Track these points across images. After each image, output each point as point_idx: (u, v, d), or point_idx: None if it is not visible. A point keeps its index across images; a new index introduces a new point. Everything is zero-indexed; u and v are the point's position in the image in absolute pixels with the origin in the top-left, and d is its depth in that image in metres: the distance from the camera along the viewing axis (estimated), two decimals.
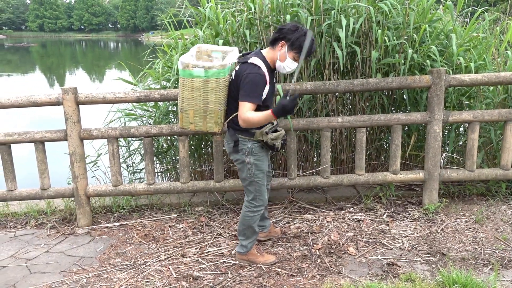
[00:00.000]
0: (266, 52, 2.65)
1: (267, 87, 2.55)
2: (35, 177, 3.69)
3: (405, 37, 3.69)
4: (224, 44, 3.69)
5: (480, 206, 3.68)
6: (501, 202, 3.74)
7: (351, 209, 3.72)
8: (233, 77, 2.64)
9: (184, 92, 2.60)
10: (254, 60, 2.56)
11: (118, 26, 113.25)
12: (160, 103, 4.11)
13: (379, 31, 3.46)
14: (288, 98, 2.42)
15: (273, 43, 2.60)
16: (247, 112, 2.49)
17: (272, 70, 2.64)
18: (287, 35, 2.53)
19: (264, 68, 2.54)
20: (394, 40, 3.59)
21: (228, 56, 2.72)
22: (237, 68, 2.63)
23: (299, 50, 2.52)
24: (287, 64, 2.58)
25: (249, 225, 2.78)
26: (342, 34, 3.33)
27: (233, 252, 3.09)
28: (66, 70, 24.89)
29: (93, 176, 4.26)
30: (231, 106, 2.66)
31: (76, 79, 19.57)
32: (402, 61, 3.59)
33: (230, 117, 2.67)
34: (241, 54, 2.75)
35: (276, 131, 2.68)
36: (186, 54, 2.68)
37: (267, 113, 2.47)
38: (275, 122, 2.67)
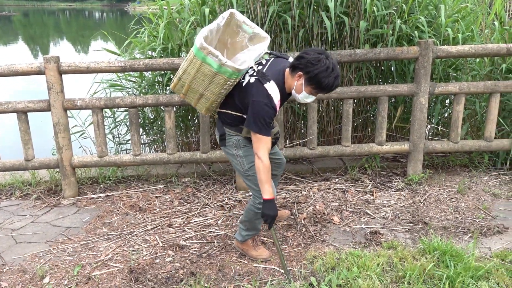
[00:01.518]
0: (287, 74, 2.34)
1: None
2: (18, 148, 3.65)
3: (394, 8, 3.65)
4: (210, 12, 3.61)
5: (463, 177, 3.75)
6: (483, 173, 3.81)
7: (337, 180, 3.76)
8: (244, 81, 2.35)
9: (188, 67, 2.37)
10: (270, 88, 2.26)
11: None
12: (146, 73, 4.05)
13: (368, 0, 3.41)
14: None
15: (292, 69, 2.30)
16: (264, 154, 2.27)
17: (287, 95, 2.41)
18: (306, 68, 2.22)
19: (277, 99, 2.27)
20: (383, 10, 3.54)
21: (253, 48, 2.45)
22: (252, 80, 2.32)
23: (318, 86, 2.25)
24: (302, 97, 2.33)
25: (251, 220, 2.57)
26: (331, 4, 3.28)
27: (219, 222, 3.12)
28: (50, 41, 24.24)
29: (80, 147, 4.23)
30: (229, 101, 2.44)
31: (60, 50, 19.08)
32: (391, 32, 3.56)
33: (223, 111, 2.47)
34: (268, 52, 2.50)
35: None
36: (210, 25, 2.36)
37: (267, 188, 2.28)
38: None
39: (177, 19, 3.94)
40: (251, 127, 2.27)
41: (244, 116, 2.35)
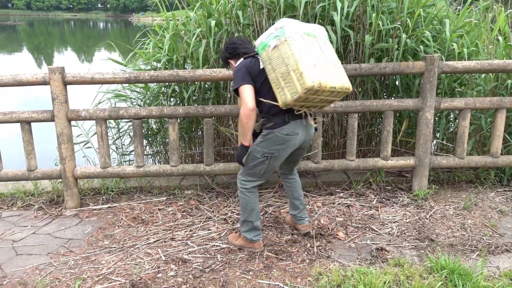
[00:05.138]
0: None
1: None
2: (20, 158, 3.62)
3: (399, 22, 3.66)
4: (216, 25, 3.61)
5: (469, 193, 3.71)
6: (490, 189, 3.77)
7: (341, 194, 3.73)
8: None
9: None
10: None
11: (108, 5, 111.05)
12: (151, 85, 4.04)
13: (374, 14, 3.41)
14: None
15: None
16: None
17: None
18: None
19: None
20: (388, 25, 3.55)
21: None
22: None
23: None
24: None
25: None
26: (337, 18, 3.28)
27: (222, 235, 3.08)
28: (54, 50, 24.41)
29: (84, 156, 4.20)
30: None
31: (64, 60, 19.21)
32: (396, 46, 3.55)
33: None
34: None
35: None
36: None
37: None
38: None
39: (183, 31, 3.95)
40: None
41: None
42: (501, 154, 3.73)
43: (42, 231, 3.23)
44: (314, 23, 3.55)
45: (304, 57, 2.31)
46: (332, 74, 2.35)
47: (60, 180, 3.74)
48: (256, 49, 2.59)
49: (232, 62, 2.80)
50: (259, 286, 2.47)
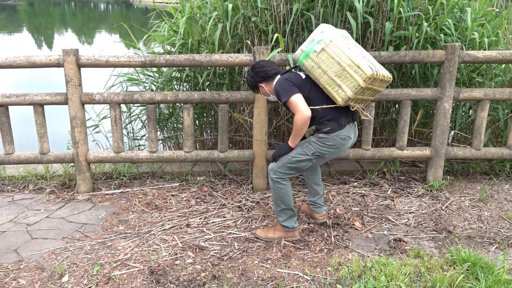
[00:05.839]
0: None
1: None
2: (31, 140, 3.58)
3: (419, 9, 3.58)
4: (233, 9, 3.53)
5: (484, 185, 3.69)
6: (504, 181, 3.74)
7: (355, 183, 3.70)
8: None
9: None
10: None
11: None
12: (164, 69, 3.98)
13: (395, 1, 3.34)
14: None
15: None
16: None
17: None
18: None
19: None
20: (408, 12, 3.47)
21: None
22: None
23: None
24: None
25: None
26: (358, 5, 3.20)
27: (238, 223, 3.06)
28: (54, 31, 24.11)
29: (93, 140, 4.16)
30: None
31: (66, 41, 18.98)
32: (417, 34, 3.48)
33: None
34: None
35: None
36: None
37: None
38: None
39: (198, 15, 3.87)
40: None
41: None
42: None
43: (55, 215, 3.21)
44: (332, 9, 3.47)
45: (353, 52, 2.42)
46: (377, 65, 2.49)
47: (72, 164, 3.71)
48: (297, 64, 2.65)
49: (263, 85, 2.72)
50: (279, 275, 2.46)
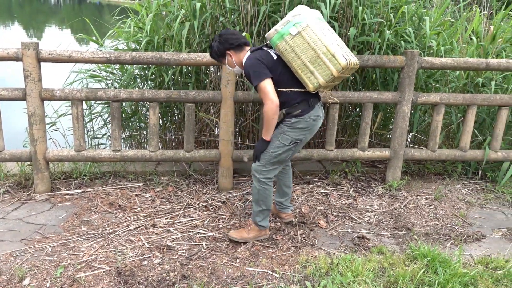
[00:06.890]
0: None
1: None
2: None
3: (381, 16, 3.72)
4: (200, 8, 3.51)
5: (438, 185, 3.89)
6: (457, 181, 3.97)
7: (319, 183, 3.79)
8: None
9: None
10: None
11: None
12: (127, 66, 3.89)
13: (360, 8, 3.45)
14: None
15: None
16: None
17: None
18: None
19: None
20: (372, 19, 3.60)
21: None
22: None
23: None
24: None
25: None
26: (325, 10, 3.28)
27: (205, 223, 3.05)
28: None
29: (50, 138, 3.98)
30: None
31: (12, 34, 17.98)
32: (379, 40, 3.62)
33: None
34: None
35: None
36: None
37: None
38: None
39: (164, 13, 3.81)
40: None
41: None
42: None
43: (11, 216, 3.05)
44: None
45: (328, 40, 2.42)
46: (348, 52, 2.52)
47: (28, 162, 3.54)
48: (268, 42, 2.60)
49: (230, 53, 2.64)
50: (248, 274, 2.48)
